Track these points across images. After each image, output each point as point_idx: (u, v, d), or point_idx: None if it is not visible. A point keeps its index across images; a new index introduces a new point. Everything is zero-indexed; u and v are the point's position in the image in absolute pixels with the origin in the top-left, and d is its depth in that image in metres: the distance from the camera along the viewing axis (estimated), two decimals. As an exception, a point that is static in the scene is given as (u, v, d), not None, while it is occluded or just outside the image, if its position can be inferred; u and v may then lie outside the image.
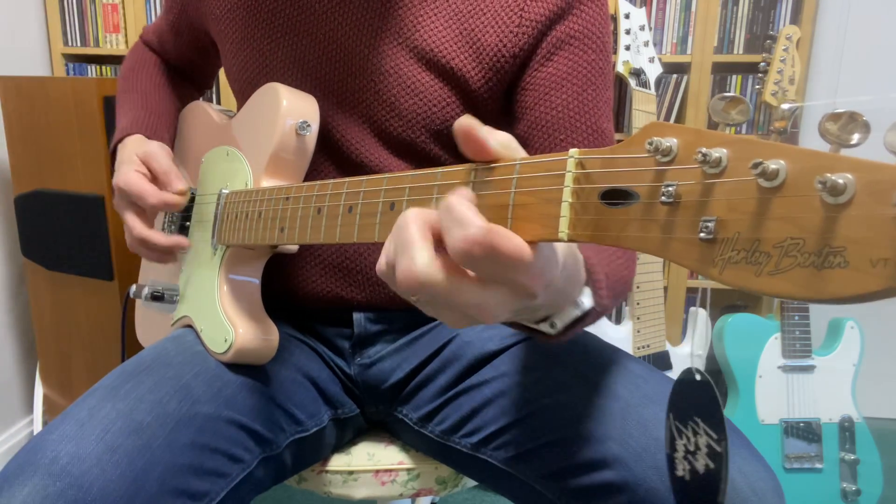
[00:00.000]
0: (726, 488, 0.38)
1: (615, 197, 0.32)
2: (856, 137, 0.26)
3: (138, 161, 0.76)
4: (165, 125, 0.87)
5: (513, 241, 0.35)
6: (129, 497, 0.53)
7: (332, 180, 0.53)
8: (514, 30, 0.68)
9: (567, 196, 0.34)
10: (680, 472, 0.39)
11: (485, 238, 0.34)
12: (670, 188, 0.29)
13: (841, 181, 0.24)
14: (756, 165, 0.26)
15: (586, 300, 0.48)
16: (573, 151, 0.35)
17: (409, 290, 0.37)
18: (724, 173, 0.28)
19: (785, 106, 1.15)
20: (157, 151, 0.76)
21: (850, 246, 0.24)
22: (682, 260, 0.29)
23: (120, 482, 0.53)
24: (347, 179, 0.51)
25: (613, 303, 0.53)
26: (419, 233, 0.38)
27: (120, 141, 0.82)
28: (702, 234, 0.28)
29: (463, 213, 0.35)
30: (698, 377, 0.39)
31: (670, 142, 0.30)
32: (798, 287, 0.25)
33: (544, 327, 0.47)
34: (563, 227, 0.34)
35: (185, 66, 0.95)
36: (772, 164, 0.26)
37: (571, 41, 0.68)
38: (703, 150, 0.28)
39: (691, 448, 0.39)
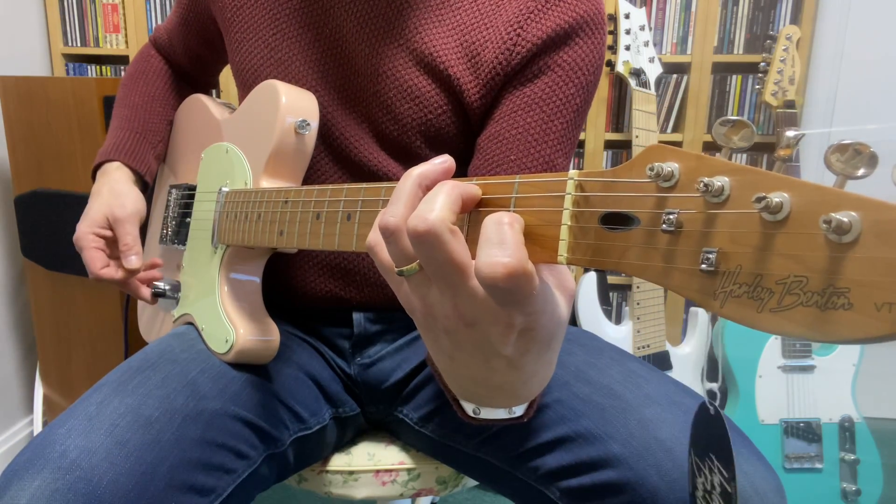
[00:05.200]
0: None
1: (615, 221, 0.32)
2: (861, 170, 0.26)
3: (105, 224, 0.79)
4: (150, 143, 0.89)
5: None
6: (139, 491, 0.53)
7: (330, 186, 0.53)
8: (510, 47, 0.68)
9: (566, 219, 0.34)
10: None
11: (516, 270, 0.32)
12: (671, 216, 0.29)
13: (846, 220, 0.23)
14: (760, 199, 0.25)
15: (518, 410, 0.48)
16: (573, 173, 0.34)
17: (414, 233, 0.35)
18: (727, 204, 0.27)
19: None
20: (127, 221, 0.79)
21: (855, 288, 0.23)
22: (683, 291, 0.28)
23: (129, 476, 0.53)
24: (346, 186, 0.51)
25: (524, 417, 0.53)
26: (448, 198, 0.36)
27: (100, 166, 0.85)
28: (703, 266, 0.27)
29: (507, 236, 0.33)
30: (711, 410, 0.38)
31: (671, 167, 0.29)
32: (801, 326, 0.24)
33: (467, 406, 0.48)
34: (563, 251, 0.34)
35: (191, 63, 0.96)
36: (775, 198, 0.25)
37: (556, 69, 0.68)
38: (705, 179, 0.27)
39: (708, 487, 0.38)
